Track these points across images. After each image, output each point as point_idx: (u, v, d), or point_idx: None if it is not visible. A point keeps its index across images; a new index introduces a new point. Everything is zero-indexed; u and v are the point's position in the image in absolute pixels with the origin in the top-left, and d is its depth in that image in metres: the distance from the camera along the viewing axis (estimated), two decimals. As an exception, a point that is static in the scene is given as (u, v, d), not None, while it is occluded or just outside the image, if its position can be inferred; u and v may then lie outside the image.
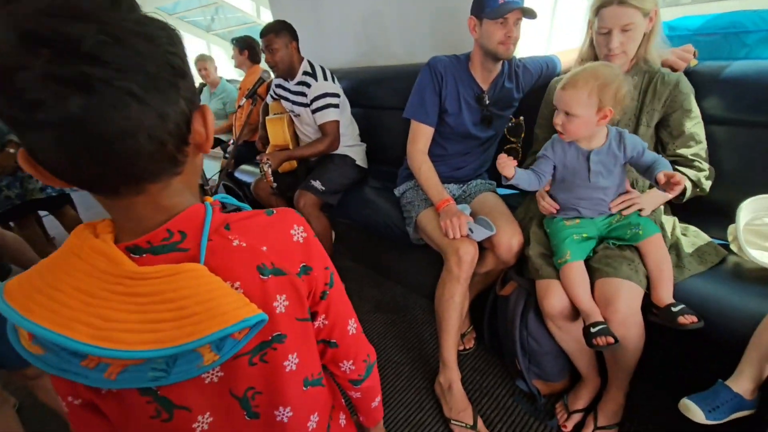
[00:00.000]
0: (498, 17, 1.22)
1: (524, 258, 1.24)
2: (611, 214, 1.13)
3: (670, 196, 1.00)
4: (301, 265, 0.50)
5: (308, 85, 1.89)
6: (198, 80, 3.45)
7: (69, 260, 0.40)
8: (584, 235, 1.11)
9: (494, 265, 1.34)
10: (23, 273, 0.40)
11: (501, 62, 1.37)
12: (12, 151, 2.06)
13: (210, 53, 4.70)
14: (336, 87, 1.91)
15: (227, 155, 2.73)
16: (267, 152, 2.10)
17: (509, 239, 1.24)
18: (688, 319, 0.92)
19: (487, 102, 1.41)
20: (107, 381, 0.39)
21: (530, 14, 1.23)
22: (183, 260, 0.42)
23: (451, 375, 1.31)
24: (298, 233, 0.51)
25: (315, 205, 1.89)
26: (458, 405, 1.28)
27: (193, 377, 0.42)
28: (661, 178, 0.96)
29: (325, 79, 1.88)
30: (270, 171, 1.76)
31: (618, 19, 1.08)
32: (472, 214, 1.38)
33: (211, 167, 2.40)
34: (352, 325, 0.61)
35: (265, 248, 0.47)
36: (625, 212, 1.10)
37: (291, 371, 0.50)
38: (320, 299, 0.54)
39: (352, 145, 2.08)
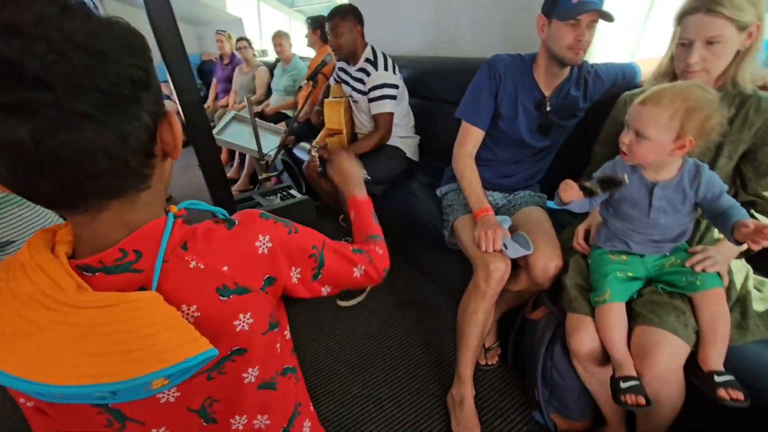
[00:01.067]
0: (569, 18, 1.10)
1: (560, 284, 1.14)
2: (666, 255, 1.00)
3: (748, 248, 0.85)
4: (266, 277, 0.48)
5: (368, 73, 1.87)
6: (273, 56, 3.58)
7: (14, 274, 0.37)
8: (629, 274, 0.99)
9: (527, 286, 1.26)
10: None
11: (568, 67, 1.25)
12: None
13: (290, 29, 4.82)
14: (396, 77, 1.87)
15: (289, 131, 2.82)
16: (321, 134, 2.13)
17: (546, 262, 1.15)
18: (732, 395, 0.79)
19: (548, 109, 1.29)
20: (54, 396, 0.37)
21: (607, 17, 1.10)
22: (136, 282, 0.41)
23: (464, 390, 1.27)
24: (264, 244, 0.48)
25: (359, 193, 1.88)
26: (467, 422, 1.24)
27: (143, 398, 0.40)
28: (746, 230, 0.78)
29: (386, 68, 1.85)
30: (317, 156, 1.79)
31: (702, 30, 0.91)
32: (511, 228, 1.30)
33: (272, 142, 2.49)
34: (358, 271, 0.62)
35: (226, 268, 0.45)
36: (697, 268, 0.93)
37: (249, 383, 0.50)
38: (314, 280, 0.55)
39: (404, 137, 2.04)
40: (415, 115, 2.14)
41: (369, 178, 1.90)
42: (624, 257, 1.01)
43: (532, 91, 1.30)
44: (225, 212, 0.49)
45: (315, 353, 1.67)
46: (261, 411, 0.54)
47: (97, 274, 0.40)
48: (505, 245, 1.18)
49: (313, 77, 1.94)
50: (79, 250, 0.41)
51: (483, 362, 1.49)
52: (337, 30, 1.82)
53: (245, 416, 0.51)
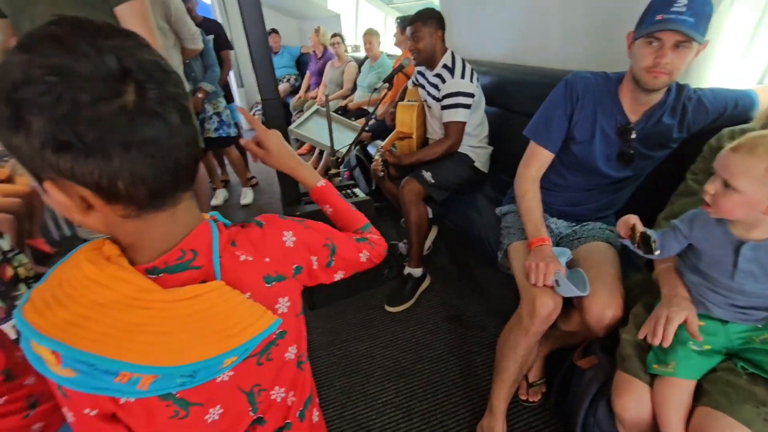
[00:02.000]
0: (647, 35, 0.96)
1: (617, 335, 1.02)
2: (757, 327, 0.83)
3: None
4: (295, 266, 0.56)
5: (443, 80, 1.83)
6: (363, 53, 3.67)
7: (92, 289, 0.41)
8: (707, 347, 0.84)
9: (579, 328, 1.14)
10: (34, 304, 0.41)
11: (660, 91, 1.08)
12: (201, 96, 2.54)
13: (384, 26, 4.88)
14: (472, 86, 1.80)
15: (366, 128, 2.89)
16: (390, 137, 2.14)
17: (602, 309, 1.03)
18: None
19: (633, 136, 1.15)
20: (140, 391, 0.42)
21: (693, 39, 0.92)
22: (198, 278, 0.46)
23: (494, 424, 1.21)
24: (289, 238, 0.56)
25: (419, 194, 1.87)
26: (492, 458, 1.17)
27: (210, 379, 0.46)
28: None
29: (462, 76, 1.79)
30: (380, 159, 1.80)
31: None
32: (570, 263, 1.19)
33: (348, 138, 2.56)
34: (364, 256, 0.67)
35: (267, 259, 0.52)
36: None
37: (290, 360, 0.57)
38: (328, 267, 0.62)
39: (475, 147, 1.97)
40: (491, 124, 2.05)
41: (433, 181, 1.87)
42: (702, 322, 0.86)
43: (615, 115, 1.16)
44: (229, 222, 0.56)
45: (356, 353, 1.70)
46: (292, 387, 0.60)
47: (161, 275, 0.45)
48: (557, 281, 1.08)
49: (389, 80, 1.95)
50: (136, 258, 0.45)
51: (524, 397, 1.39)
52: (417, 34, 1.81)
53: (283, 388, 0.57)
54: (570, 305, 1.15)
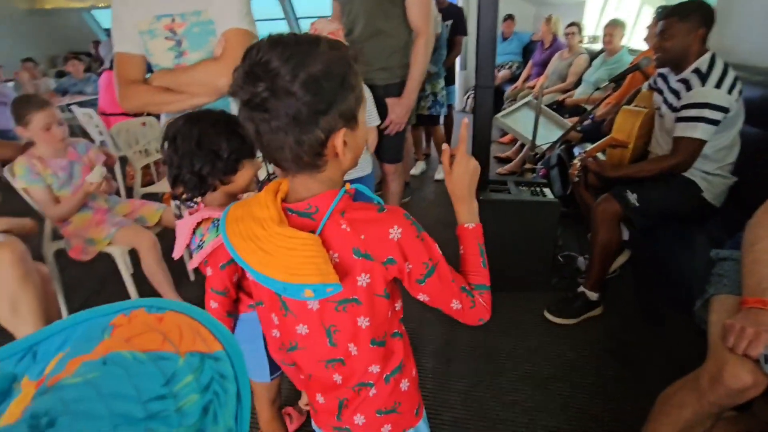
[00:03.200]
0: None
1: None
2: None
3: None
4: (387, 257, 0.63)
5: (689, 87, 1.54)
6: (600, 45, 3.32)
7: (256, 203, 0.61)
8: None
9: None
10: (238, 203, 0.65)
11: None
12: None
13: (637, 16, 4.22)
14: (728, 99, 1.47)
15: (578, 128, 2.67)
16: (601, 141, 1.95)
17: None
18: None
19: None
20: (256, 275, 0.60)
21: None
22: (311, 226, 0.61)
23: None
24: (395, 232, 0.62)
25: (615, 215, 1.68)
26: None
27: (299, 300, 0.64)
28: None
29: (718, 86, 1.47)
30: (578, 165, 1.67)
31: None
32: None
33: (554, 135, 2.43)
34: (456, 304, 0.69)
35: (363, 237, 0.61)
36: None
37: (361, 327, 0.67)
38: (418, 283, 0.66)
39: (711, 174, 1.62)
40: (746, 149, 1.63)
41: (637, 204, 1.65)
42: None
43: None
44: (381, 201, 0.67)
45: (497, 345, 1.73)
46: (373, 361, 0.71)
47: (293, 214, 0.62)
48: (766, 357, 0.86)
49: (618, 79, 1.76)
50: (289, 197, 0.64)
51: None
52: (668, 31, 1.56)
53: (357, 348, 0.69)
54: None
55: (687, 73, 1.58)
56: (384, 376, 0.72)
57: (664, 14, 1.60)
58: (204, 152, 0.86)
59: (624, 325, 1.80)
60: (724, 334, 0.95)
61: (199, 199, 0.93)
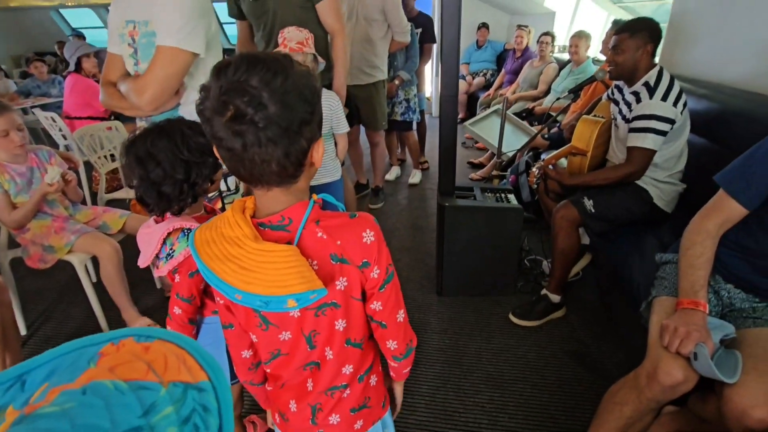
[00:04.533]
0: None
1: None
2: None
3: None
4: (363, 261, 0.65)
5: (639, 99, 1.63)
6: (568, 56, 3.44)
7: (225, 223, 0.61)
8: None
9: (714, 420, 0.96)
10: (204, 225, 0.63)
11: None
12: (397, 83, 2.85)
13: (604, 27, 4.40)
14: (673, 111, 1.56)
15: (545, 136, 2.76)
16: (561, 150, 2.02)
17: (748, 405, 0.84)
18: None
19: None
20: (236, 299, 0.60)
21: None
22: (286, 238, 0.62)
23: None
24: (368, 236, 0.65)
25: (573, 221, 1.75)
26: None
27: (281, 311, 0.64)
28: None
29: (664, 98, 1.56)
30: (536, 173, 1.74)
31: None
32: (729, 344, 0.99)
33: (522, 142, 2.50)
34: (401, 315, 0.73)
35: (339, 242, 0.64)
36: None
37: (338, 330, 0.69)
38: (379, 290, 0.69)
39: (661, 181, 1.71)
40: (695, 158, 1.73)
41: (593, 210, 1.73)
42: None
43: None
44: (344, 207, 0.69)
45: (464, 348, 1.78)
46: (347, 362, 0.73)
47: (266, 229, 0.63)
48: (695, 354, 0.93)
49: (575, 90, 1.84)
50: (258, 213, 0.64)
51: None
52: (619, 46, 1.64)
53: (333, 352, 0.71)
54: (712, 389, 0.97)
55: (638, 86, 1.67)
56: (358, 376, 0.75)
57: (616, 30, 1.68)
58: (170, 180, 0.87)
59: (585, 326, 1.87)
60: (660, 333, 1.01)
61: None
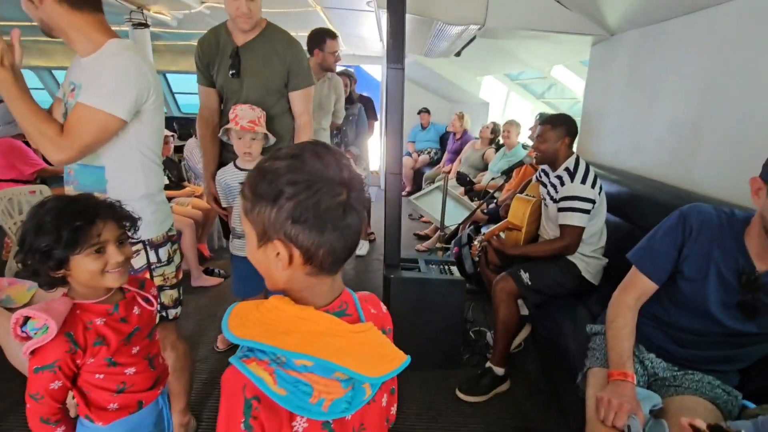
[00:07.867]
0: None
1: None
2: None
3: None
4: (389, 328, 0.71)
5: (563, 183, 1.83)
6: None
7: (300, 322, 0.56)
8: None
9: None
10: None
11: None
12: (348, 157, 3.00)
13: (531, 117, 5.02)
14: (592, 192, 1.76)
15: (485, 211, 2.96)
16: (499, 225, 2.17)
17: (679, 477, 0.87)
18: None
19: (759, 286, 0.99)
20: (322, 413, 0.54)
21: None
22: (351, 322, 0.60)
23: None
24: (382, 308, 0.71)
25: (512, 293, 1.83)
26: None
27: (361, 406, 0.58)
28: None
29: (583, 182, 1.77)
30: (478, 245, 1.84)
31: None
32: (657, 413, 1.04)
33: (460, 215, 2.66)
34: (395, 409, 0.75)
35: (380, 315, 0.69)
36: None
37: (382, 407, 0.68)
38: None
39: (587, 256, 1.86)
40: (614, 237, 1.92)
41: (530, 283, 1.83)
42: None
43: (737, 258, 1.02)
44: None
45: (412, 428, 1.69)
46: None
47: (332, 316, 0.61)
48: (629, 426, 0.96)
49: (506, 172, 2.03)
50: (313, 302, 0.60)
51: None
52: (543, 136, 1.87)
53: None
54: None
55: (560, 171, 1.88)
56: None
57: (540, 121, 1.93)
58: (27, 250, 0.81)
59: (529, 398, 1.87)
60: (596, 406, 1.04)
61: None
